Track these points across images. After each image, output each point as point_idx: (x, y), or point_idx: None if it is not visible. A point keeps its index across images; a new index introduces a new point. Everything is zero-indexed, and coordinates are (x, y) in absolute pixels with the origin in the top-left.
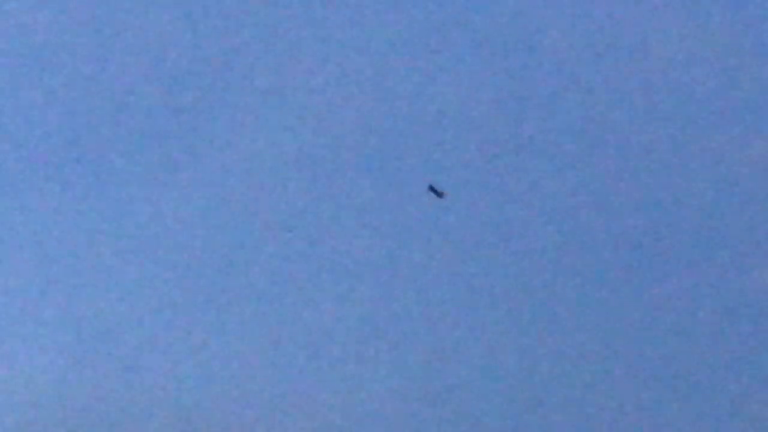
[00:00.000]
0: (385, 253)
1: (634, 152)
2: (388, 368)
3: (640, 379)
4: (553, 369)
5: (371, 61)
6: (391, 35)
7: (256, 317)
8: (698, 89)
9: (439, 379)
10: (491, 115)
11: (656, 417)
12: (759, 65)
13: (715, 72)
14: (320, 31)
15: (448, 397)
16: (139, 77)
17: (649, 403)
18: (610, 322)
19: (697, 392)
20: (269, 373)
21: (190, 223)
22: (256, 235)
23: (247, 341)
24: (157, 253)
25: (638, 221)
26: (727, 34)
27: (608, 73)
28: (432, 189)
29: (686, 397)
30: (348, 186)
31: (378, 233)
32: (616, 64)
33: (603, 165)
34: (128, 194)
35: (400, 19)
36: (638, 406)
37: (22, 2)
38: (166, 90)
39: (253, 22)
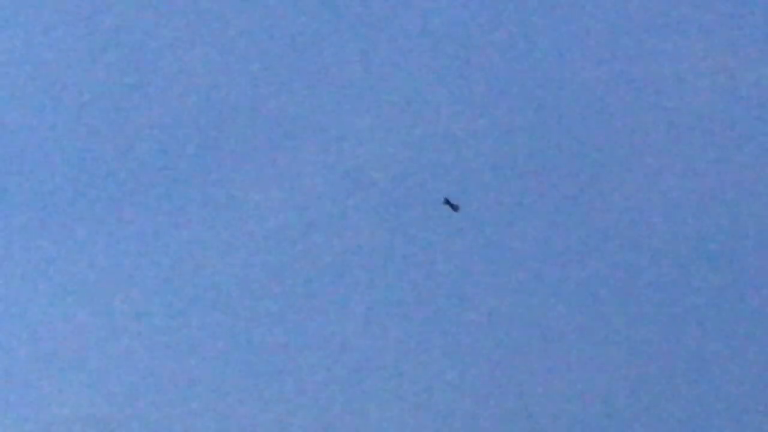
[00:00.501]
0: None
1: (649, 164)
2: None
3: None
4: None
5: (398, 103)
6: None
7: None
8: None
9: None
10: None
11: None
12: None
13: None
14: (354, 75)
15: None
16: (180, 117)
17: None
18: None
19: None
20: None
21: (228, 263)
22: (293, 274)
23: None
24: (194, 290)
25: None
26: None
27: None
28: (447, 202)
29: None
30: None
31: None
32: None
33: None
34: (165, 228)
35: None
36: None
37: (63, 53)
38: (204, 130)
39: (288, 67)
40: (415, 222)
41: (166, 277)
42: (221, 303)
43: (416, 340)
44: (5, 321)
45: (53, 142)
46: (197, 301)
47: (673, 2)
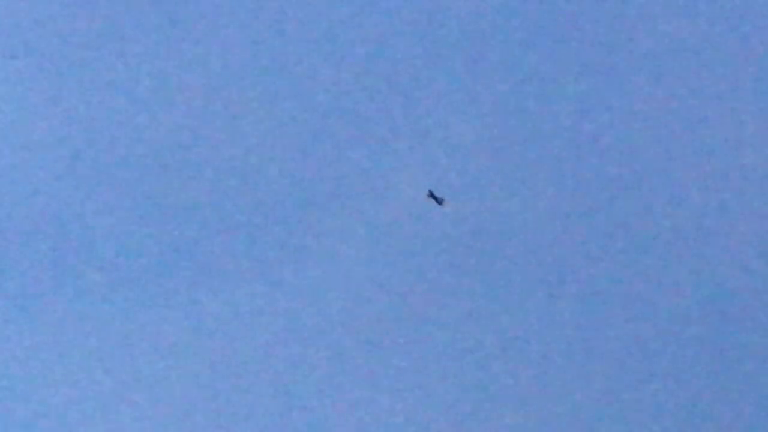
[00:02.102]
0: None
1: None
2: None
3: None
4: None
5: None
6: None
7: None
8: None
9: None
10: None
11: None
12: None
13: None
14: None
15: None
16: (245, 189)
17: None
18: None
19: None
20: None
21: (290, 327)
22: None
23: None
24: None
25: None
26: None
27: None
28: (431, 195)
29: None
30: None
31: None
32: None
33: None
34: (232, 294)
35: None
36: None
37: (119, 110)
38: (266, 202)
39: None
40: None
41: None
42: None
43: None
44: None
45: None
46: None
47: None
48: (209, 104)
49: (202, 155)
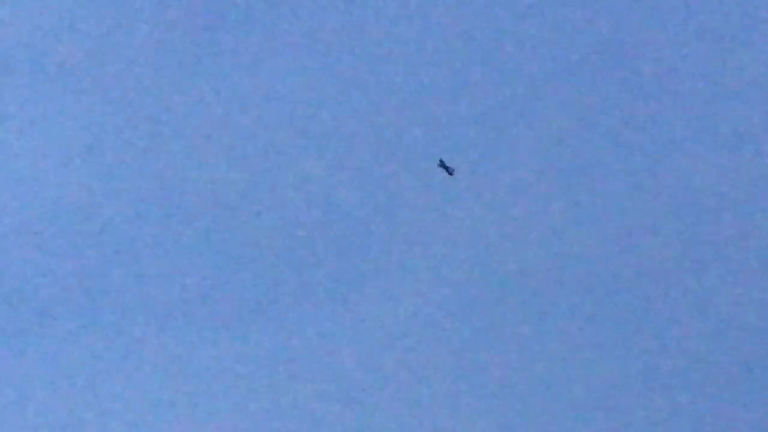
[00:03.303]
0: None
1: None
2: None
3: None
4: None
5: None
6: None
7: None
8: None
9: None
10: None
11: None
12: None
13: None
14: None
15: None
16: (313, 220)
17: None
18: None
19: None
20: None
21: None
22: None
23: None
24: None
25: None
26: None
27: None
28: (443, 164)
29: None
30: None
31: None
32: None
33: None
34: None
35: None
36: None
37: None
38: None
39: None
40: None
41: None
42: None
43: None
44: None
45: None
46: None
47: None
48: (266, 156)
49: (256, 202)
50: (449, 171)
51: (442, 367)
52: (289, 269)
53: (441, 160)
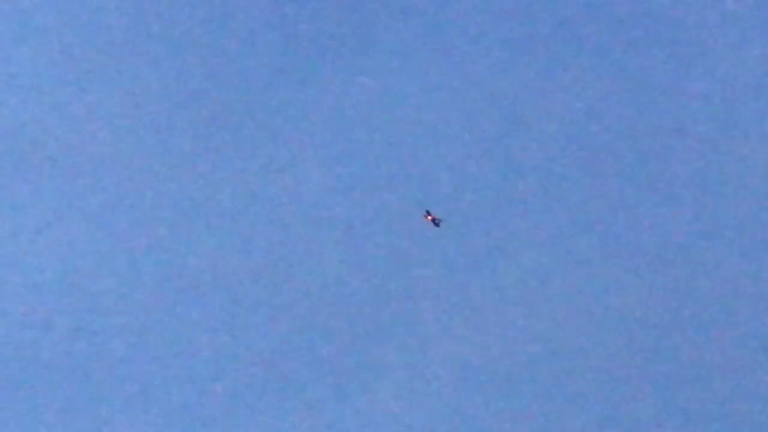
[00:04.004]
0: None
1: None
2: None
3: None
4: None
5: None
6: None
7: None
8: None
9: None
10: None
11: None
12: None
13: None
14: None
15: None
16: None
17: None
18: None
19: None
20: None
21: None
22: None
23: None
24: None
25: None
26: None
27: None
28: (428, 214)
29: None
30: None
31: None
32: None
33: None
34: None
35: None
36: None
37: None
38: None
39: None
40: None
41: None
42: None
43: None
44: None
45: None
46: None
47: None
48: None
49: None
50: (436, 222)
51: None
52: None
53: (427, 211)
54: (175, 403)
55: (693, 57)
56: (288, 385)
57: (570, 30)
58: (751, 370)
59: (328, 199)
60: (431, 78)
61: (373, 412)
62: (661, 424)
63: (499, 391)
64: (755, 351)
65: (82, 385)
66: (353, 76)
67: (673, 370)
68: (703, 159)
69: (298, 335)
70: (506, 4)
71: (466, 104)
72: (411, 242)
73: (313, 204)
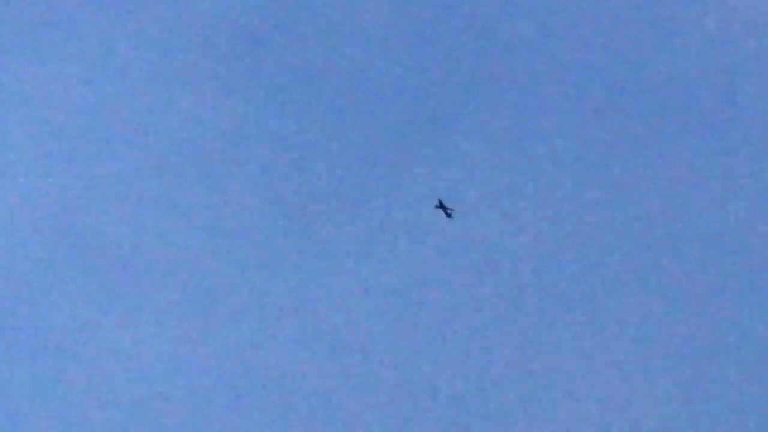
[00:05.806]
0: None
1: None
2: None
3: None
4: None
5: None
6: None
7: None
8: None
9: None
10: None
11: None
12: None
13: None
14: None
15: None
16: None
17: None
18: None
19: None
20: None
21: None
22: None
23: None
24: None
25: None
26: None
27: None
28: (441, 206)
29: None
30: None
31: None
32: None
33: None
34: None
35: None
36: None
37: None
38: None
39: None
40: None
41: None
42: None
43: None
44: None
45: None
46: None
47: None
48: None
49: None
50: (448, 214)
51: None
52: None
53: (439, 201)
54: None
55: None
56: None
57: None
58: None
59: None
60: None
61: None
62: None
63: None
64: None
65: None
66: None
67: None
68: None
69: None
70: None
71: None
72: None
73: None
